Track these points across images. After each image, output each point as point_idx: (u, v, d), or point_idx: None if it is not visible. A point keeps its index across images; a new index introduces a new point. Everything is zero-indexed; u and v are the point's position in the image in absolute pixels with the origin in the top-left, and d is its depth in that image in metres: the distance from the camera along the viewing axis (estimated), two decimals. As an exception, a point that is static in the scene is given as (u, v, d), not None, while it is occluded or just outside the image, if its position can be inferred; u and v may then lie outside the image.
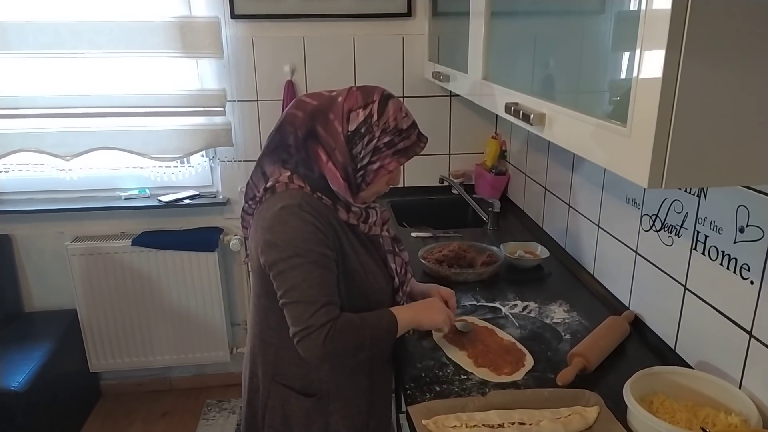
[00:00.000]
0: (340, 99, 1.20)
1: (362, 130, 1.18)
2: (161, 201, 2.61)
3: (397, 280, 1.36)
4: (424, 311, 1.33)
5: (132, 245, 2.61)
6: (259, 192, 1.25)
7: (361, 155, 1.19)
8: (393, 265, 1.36)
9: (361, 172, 1.21)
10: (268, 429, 1.35)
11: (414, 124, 1.24)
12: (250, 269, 1.31)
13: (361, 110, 1.18)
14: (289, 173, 1.22)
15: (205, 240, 2.66)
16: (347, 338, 1.16)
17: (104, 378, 2.93)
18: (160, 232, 2.68)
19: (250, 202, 1.29)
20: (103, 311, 2.69)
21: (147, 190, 2.69)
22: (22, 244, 2.70)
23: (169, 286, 2.70)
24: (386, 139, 1.19)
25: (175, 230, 2.71)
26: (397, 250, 1.39)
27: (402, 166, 1.29)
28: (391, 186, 1.30)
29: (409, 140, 1.22)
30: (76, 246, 2.60)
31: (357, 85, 1.24)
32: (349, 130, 1.18)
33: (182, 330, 2.78)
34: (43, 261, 2.72)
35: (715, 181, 0.81)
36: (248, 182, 1.29)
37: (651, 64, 0.75)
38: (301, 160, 1.23)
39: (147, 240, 2.63)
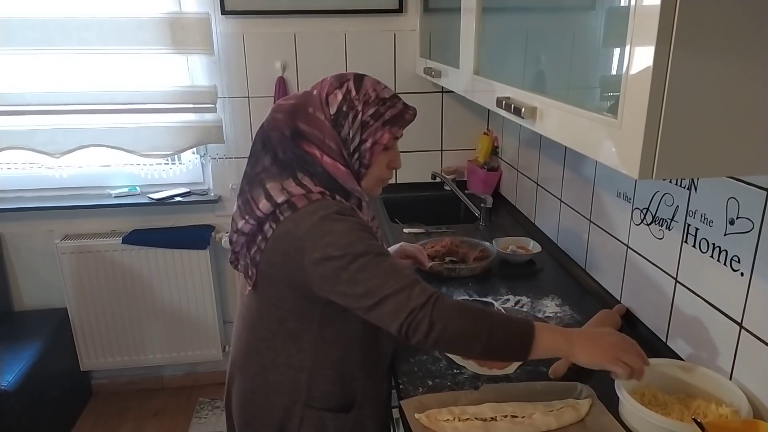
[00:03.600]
0: (315, 91, 1.17)
1: (344, 109, 1.14)
2: (152, 198, 2.59)
3: None
4: (588, 341, 1.07)
5: (122, 243, 2.59)
6: (259, 207, 1.11)
7: (351, 135, 1.14)
8: None
9: (356, 155, 1.16)
10: None
11: (396, 95, 1.19)
12: (255, 294, 1.19)
13: (338, 90, 1.15)
14: (293, 183, 1.12)
15: (196, 237, 2.65)
16: (460, 317, 1.03)
17: (95, 377, 2.92)
18: (151, 230, 2.67)
19: (249, 220, 1.13)
20: (93, 310, 2.68)
21: (137, 188, 2.67)
22: (12, 242, 2.67)
23: (161, 284, 2.68)
24: (371, 111, 1.15)
25: (166, 228, 2.69)
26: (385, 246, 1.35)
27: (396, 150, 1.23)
28: (393, 169, 1.23)
29: (395, 108, 1.17)
30: (66, 244, 2.58)
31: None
32: (332, 113, 1.14)
33: (174, 328, 2.76)
34: (32, 259, 2.70)
35: (705, 172, 0.82)
36: (245, 199, 1.15)
37: (641, 56, 0.75)
38: (298, 161, 1.14)
39: (137, 238, 2.61)
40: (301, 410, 1.22)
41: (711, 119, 0.76)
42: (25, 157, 2.56)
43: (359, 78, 1.17)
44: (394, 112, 1.17)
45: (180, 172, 2.71)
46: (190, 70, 2.52)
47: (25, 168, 2.61)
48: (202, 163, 2.70)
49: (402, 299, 1.03)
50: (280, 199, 1.10)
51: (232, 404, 1.32)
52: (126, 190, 2.66)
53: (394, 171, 1.27)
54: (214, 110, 2.50)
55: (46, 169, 2.61)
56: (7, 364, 2.29)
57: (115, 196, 2.62)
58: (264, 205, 1.11)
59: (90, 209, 2.61)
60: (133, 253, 2.62)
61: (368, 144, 1.16)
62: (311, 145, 1.14)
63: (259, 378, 1.24)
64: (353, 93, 1.15)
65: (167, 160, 2.66)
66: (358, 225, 1.09)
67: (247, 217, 1.14)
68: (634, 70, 0.78)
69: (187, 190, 2.68)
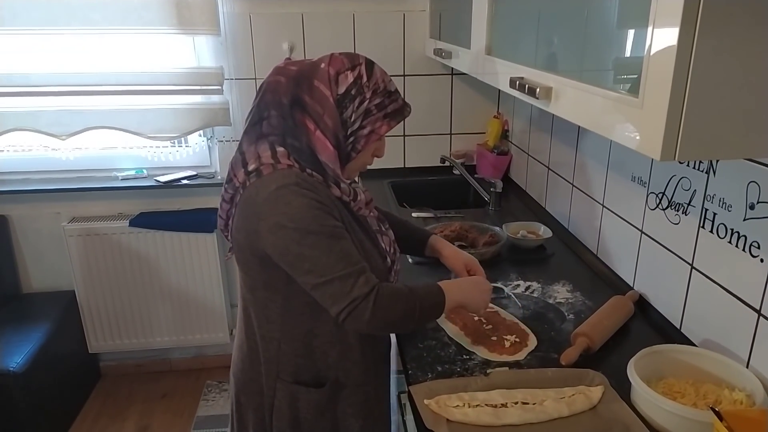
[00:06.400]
0: (323, 65, 1.15)
1: (353, 92, 1.14)
2: (159, 181, 2.57)
3: (389, 259, 1.30)
4: (472, 291, 1.27)
5: (129, 226, 2.59)
6: (237, 175, 1.15)
7: (352, 119, 1.15)
8: (383, 245, 1.29)
9: (351, 139, 1.17)
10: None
11: (397, 90, 1.22)
12: (236, 262, 1.23)
13: (349, 72, 1.14)
14: (269, 152, 1.13)
15: (203, 221, 2.63)
16: (396, 306, 1.11)
17: (103, 359, 2.93)
18: (158, 213, 2.66)
19: (227, 186, 1.18)
20: (101, 292, 2.68)
21: (144, 171, 2.66)
22: (19, 224, 2.67)
23: (168, 267, 2.68)
24: (377, 101, 1.16)
25: (172, 211, 2.68)
26: (383, 229, 1.32)
27: (385, 140, 1.25)
28: (376, 157, 1.27)
29: (397, 103, 1.20)
30: (73, 227, 2.58)
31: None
32: (339, 93, 1.13)
33: (181, 311, 2.76)
34: (40, 242, 2.70)
35: (729, 154, 0.79)
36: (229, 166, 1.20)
37: (665, 36, 0.73)
38: (287, 130, 1.14)
39: (145, 221, 2.61)
40: (274, 382, 1.24)
41: (736, 100, 0.74)
42: (31, 139, 2.54)
43: (371, 64, 1.18)
44: (396, 107, 1.20)
45: (187, 155, 2.69)
46: (197, 51, 2.49)
47: (31, 150, 2.60)
48: (209, 146, 2.68)
49: (346, 285, 1.07)
50: (251, 167, 1.12)
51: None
52: (133, 172, 2.64)
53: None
54: (220, 92, 2.47)
55: (52, 152, 2.60)
56: (16, 347, 2.30)
57: (122, 179, 2.61)
58: (241, 176, 1.13)
59: (97, 192, 2.60)
60: (140, 236, 2.61)
61: (366, 131, 1.17)
62: (308, 118, 1.13)
63: (246, 347, 1.27)
64: (364, 79, 1.15)
65: (174, 142, 2.63)
66: (316, 202, 1.09)
67: (226, 186, 1.18)
68: (656, 49, 0.75)
69: (194, 173, 2.66)
